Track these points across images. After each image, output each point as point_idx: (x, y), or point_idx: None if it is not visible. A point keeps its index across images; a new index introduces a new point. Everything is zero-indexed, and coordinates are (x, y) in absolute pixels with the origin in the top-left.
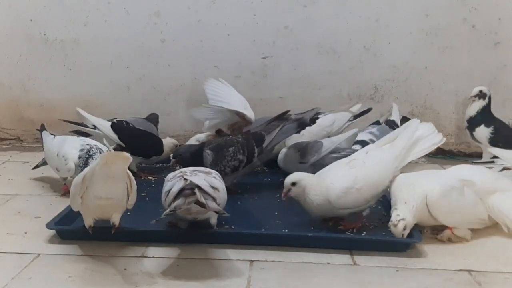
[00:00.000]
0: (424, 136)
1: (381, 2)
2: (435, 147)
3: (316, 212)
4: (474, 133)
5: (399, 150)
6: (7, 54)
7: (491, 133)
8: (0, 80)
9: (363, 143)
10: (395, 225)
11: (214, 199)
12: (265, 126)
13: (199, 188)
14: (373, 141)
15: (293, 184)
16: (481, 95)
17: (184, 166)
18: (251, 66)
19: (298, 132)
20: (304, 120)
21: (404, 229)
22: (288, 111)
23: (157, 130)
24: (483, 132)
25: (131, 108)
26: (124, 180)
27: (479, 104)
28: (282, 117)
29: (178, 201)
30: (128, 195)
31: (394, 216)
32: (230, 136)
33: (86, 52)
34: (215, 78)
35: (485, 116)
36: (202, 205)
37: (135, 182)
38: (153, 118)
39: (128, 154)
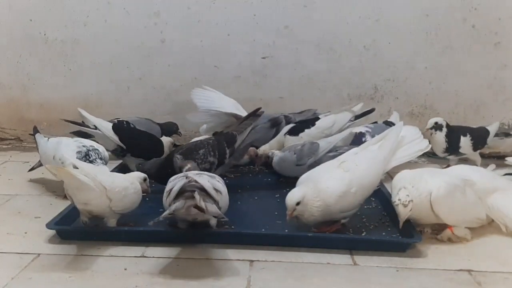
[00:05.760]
0: (409, 141)
1: (381, 2)
2: (420, 153)
3: (317, 219)
4: (461, 150)
5: (387, 153)
6: (7, 54)
7: (471, 140)
8: (0, 80)
9: (361, 135)
10: (405, 206)
11: (216, 202)
12: (238, 126)
13: (201, 189)
14: (369, 133)
15: (298, 204)
16: (437, 126)
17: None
18: (251, 66)
19: (293, 132)
20: (278, 119)
21: (410, 210)
22: (259, 109)
23: (179, 134)
24: (466, 142)
25: (131, 108)
26: (88, 188)
27: (441, 135)
28: (254, 115)
29: (177, 204)
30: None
31: (404, 196)
32: (201, 139)
33: (86, 52)
34: (199, 87)
35: (453, 137)
36: (201, 209)
37: (116, 189)
38: (169, 126)
39: (65, 170)
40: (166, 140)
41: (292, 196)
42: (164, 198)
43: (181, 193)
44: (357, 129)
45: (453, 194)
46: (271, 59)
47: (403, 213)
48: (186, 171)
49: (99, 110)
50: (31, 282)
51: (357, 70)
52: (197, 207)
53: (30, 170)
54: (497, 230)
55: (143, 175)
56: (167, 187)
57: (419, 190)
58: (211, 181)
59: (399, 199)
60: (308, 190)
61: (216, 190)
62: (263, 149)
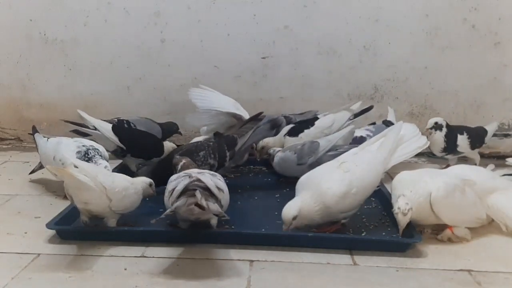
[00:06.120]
0: (408, 138)
1: (381, 2)
2: (419, 150)
3: (318, 222)
4: (459, 148)
5: (386, 153)
6: (7, 54)
7: (468, 138)
8: (0, 80)
9: (361, 139)
10: (405, 214)
11: (219, 200)
12: (239, 129)
13: (204, 188)
14: (370, 137)
15: (294, 218)
16: (437, 126)
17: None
18: (251, 66)
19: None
20: (278, 121)
21: (409, 218)
22: (261, 113)
23: (180, 133)
24: (463, 141)
25: (131, 108)
26: (88, 188)
27: (441, 135)
28: (256, 119)
29: (179, 202)
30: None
31: (403, 204)
32: (202, 141)
33: (86, 52)
34: (196, 86)
35: (451, 136)
36: (202, 207)
37: (116, 189)
38: (169, 126)
39: (65, 171)
40: (168, 145)
41: (289, 211)
42: (166, 198)
43: (184, 192)
44: (358, 133)
45: (453, 194)
46: (271, 59)
47: (403, 221)
48: (181, 166)
49: (99, 110)
50: (31, 282)
51: (357, 70)
52: (198, 205)
53: (31, 173)
54: (497, 230)
55: (149, 180)
56: (170, 187)
57: (418, 192)
58: (213, 179)
59: (398, 208)
60: (304, 201)
61: (219, 189)
62: (266, 141)
